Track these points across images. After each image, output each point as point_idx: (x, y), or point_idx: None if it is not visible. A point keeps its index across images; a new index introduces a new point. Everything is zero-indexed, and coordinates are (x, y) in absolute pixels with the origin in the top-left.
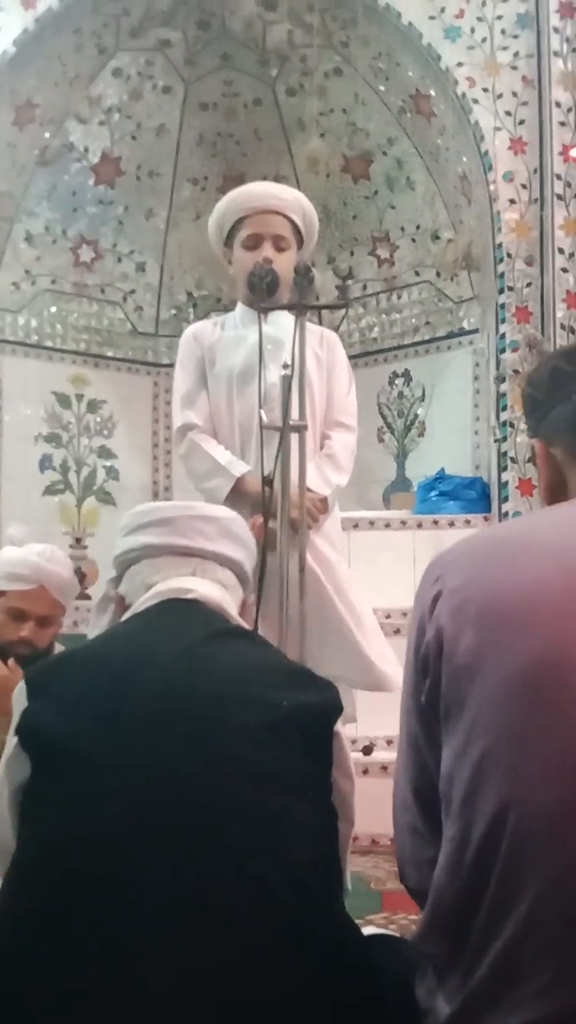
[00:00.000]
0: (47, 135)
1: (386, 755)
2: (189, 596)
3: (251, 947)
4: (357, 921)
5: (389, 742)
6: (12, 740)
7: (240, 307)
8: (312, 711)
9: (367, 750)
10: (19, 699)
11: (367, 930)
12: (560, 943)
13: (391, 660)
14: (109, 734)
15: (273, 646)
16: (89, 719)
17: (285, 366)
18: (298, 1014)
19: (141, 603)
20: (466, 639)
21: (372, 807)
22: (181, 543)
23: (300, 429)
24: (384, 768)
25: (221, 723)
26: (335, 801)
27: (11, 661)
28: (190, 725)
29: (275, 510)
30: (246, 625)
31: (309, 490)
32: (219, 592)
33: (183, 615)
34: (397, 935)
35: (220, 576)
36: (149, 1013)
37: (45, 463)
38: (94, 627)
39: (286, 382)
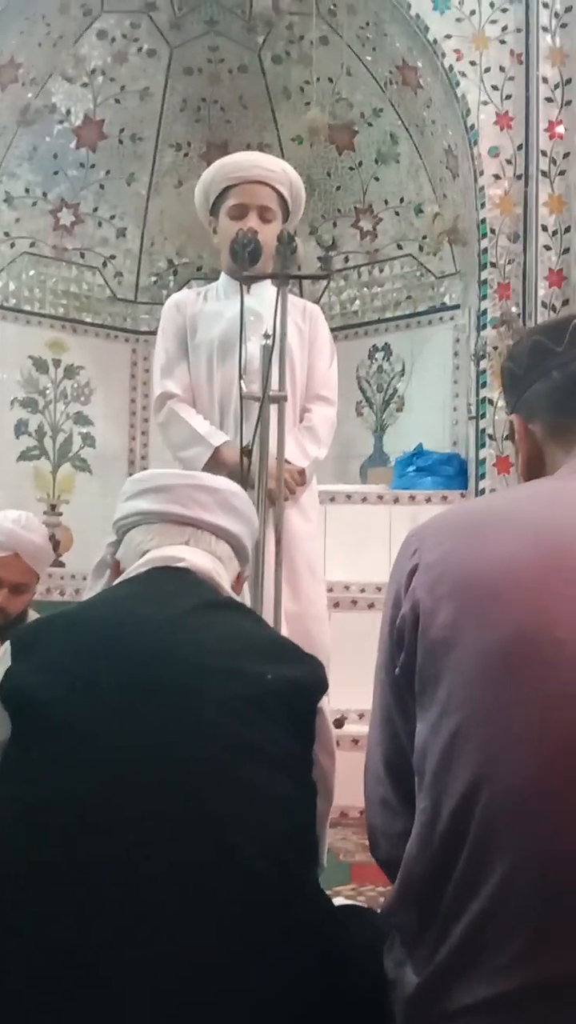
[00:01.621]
0: (29, 95)
1: (357, 728)
2: (179, 565)
3: (228, 919)
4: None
5: (361, 716)
6: None
7: (223, 277)
8: (296, 686)
9: (338, 723)
10: (3, 659)
11: (336, 901)
12: (528, 919)
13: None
14: (90, 703)
15: (262, 619)
16: (71, 685)
17: (266, 336)
18: (270, 988)
19: (132, 569)
20: (442, 613)
21: (342, 780)
22: (177, 511)
23: (279, 400)
24: (355, 741)
25: (203, 695)
26: (315, 777)
27: None
28: (172, 696)
29: (253, 481)
30: (237, 598)
31: (287, 462)
32: (211, 563)
33: (172, 584)
34: (366, 906)
35: (214, 547)
36: (125, 999)
37: (20, 428)
38: (90, 590)
39: (266, 352)
